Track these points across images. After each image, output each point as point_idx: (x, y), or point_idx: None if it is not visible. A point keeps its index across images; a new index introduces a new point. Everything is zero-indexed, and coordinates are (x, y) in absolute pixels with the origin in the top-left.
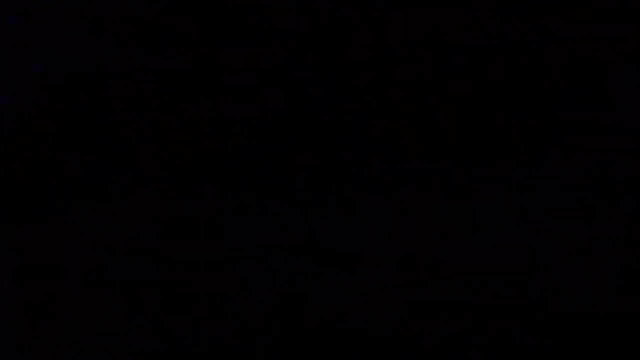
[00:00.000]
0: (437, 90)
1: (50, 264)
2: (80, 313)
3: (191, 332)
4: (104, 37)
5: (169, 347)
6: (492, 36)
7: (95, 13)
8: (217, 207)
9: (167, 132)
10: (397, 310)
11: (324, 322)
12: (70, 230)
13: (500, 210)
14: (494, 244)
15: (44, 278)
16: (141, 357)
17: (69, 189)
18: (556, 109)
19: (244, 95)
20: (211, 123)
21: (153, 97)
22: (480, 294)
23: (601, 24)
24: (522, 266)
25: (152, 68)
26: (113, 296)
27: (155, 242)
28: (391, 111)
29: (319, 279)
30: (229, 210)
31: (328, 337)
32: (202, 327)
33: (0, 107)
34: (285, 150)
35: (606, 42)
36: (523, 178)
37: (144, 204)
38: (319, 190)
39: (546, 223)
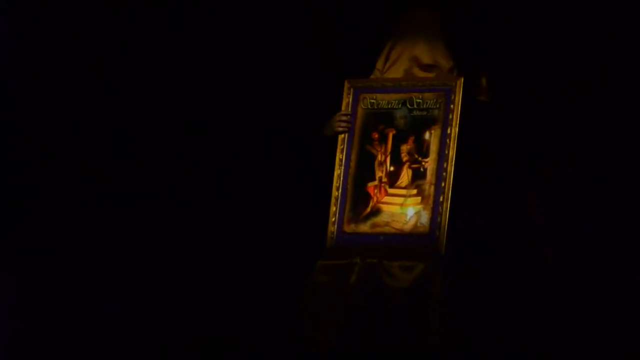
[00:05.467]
0: None
1: (45, 263)
2: (77, 312)
3: (187, 331)
4: (99, 38)
5: (164, 345)
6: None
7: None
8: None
9: (157, 134)
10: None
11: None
12: (64, 231)
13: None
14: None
15: (40, 277)
16: (137, 355)
17: (63, 191)
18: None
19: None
20: (208, 123)
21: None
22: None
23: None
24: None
25: (138, 72)
26: (107, 296)
27: (150, 241)
28: None
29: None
30: (228, 209)
31: None
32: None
33: None
34: None
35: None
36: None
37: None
38: None
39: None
